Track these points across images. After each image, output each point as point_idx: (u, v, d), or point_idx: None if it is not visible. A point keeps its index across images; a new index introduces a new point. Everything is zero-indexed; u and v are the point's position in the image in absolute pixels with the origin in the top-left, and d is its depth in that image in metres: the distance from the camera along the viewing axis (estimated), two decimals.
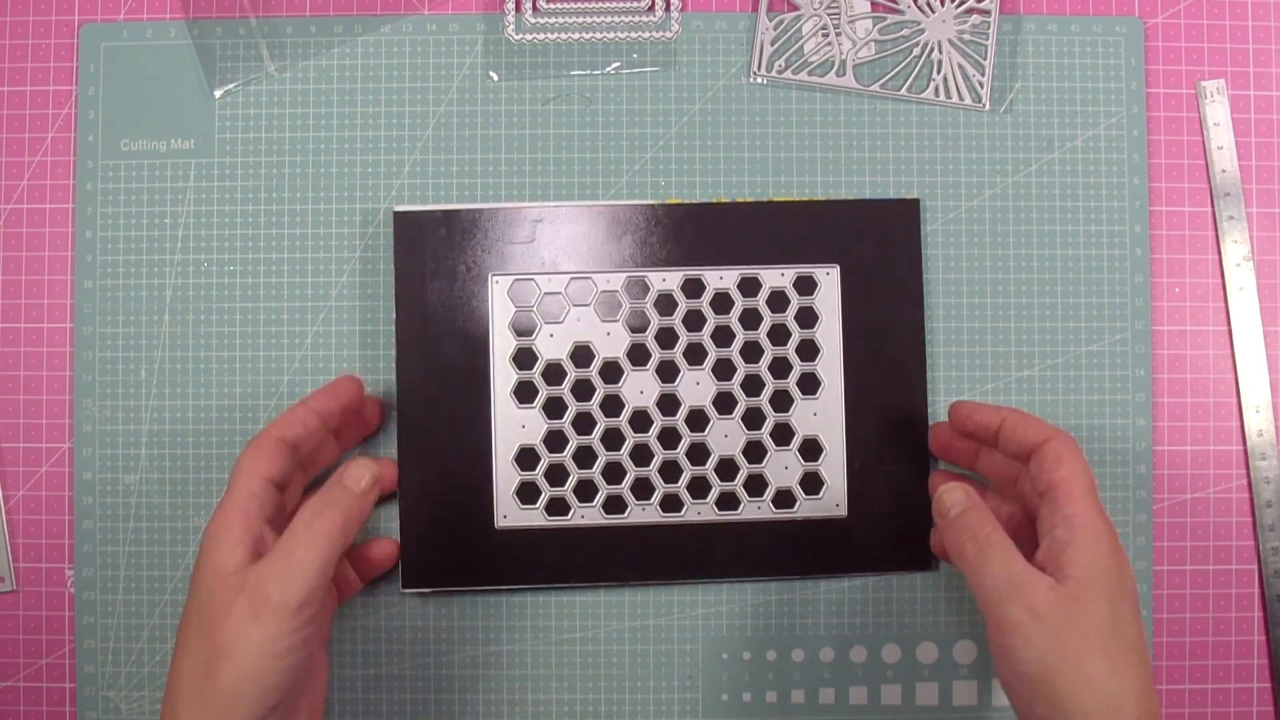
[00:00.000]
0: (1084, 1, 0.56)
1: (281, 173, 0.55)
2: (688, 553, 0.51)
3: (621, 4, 0.55)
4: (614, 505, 0.51)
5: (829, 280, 0.51)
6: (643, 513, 0.51)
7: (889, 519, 0.51)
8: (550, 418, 0.51)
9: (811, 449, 0.51)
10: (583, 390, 0.51)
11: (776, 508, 0.51)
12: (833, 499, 0.51)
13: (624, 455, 0.51)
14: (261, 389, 0.54)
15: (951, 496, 0.45)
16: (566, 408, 0.51)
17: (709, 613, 0.54)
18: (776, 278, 0.51)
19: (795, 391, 0.51)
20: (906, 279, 0.52)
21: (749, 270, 0.51)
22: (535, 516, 0.50)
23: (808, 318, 0.51)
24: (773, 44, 0.56)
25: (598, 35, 0.55)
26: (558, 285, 0.51)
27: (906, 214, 0.52)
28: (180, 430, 0.55)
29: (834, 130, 0.55)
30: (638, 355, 0.51)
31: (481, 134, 0.55)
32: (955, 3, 0.56)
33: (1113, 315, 0.55)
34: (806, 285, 0.51)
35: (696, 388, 0.51)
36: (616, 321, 0.51)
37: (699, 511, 0.51)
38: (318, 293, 0.54)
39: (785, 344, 0.51)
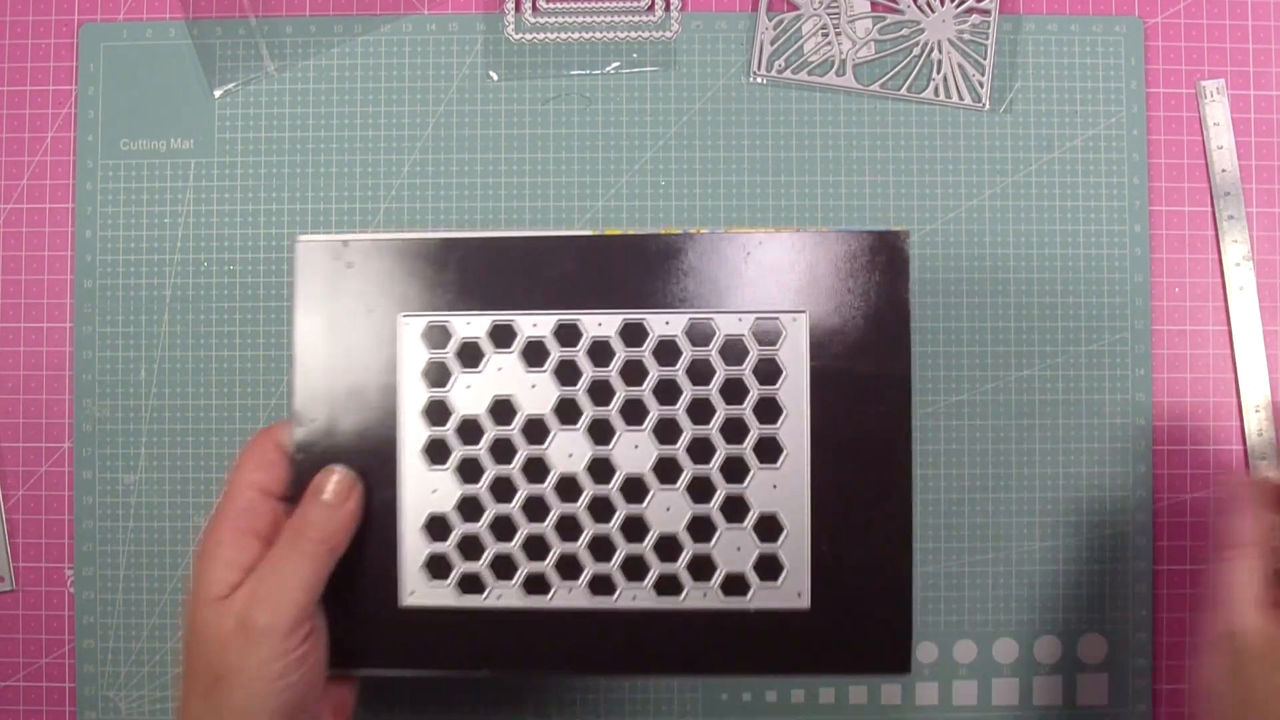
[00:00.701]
0: (1084, 1, 0.56)
1: (281, 173, 0.55)
2: (620, 643, 0.44)
3: (621, 4, 0.55)
4: (536, 585, 0.44)
5: (795, 328, 0.44)
6: (569, 595, 0.44)
7: (860, 613, 0.44)
8: (465, 481, 0.44)
9: (769, 527, 0.44)
10: (502, 451, 0.44)
11: (726, 594, 0.44)
12: (793, 587, 0.44)
13: (548, 528, 0.44)
14: (261, 389, 0.54)
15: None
16: (483, 471, 0.44)
17: None
18: (733, 324, 0.44)
19: (751, 459, 0.44)
20: (890, 329, 0.44)
21: (700, 315, 0.44)
22: (446, 594, 0.44)
23: (769, 372, 0.44)
24: (772, 44, 0.56)
25: (597, 35, 0.55)
26: (477, 329, 0.44)
27: (891, 250, 0.44)
28: (180, 430, 0.55)
29: (834, 130, 0.55)
30: (567, 412, 0.44)
31: (481, 134, 0.55)
32: (955, 2, 0.56)
33: (1113, 315, 0.55)
34: (768, 334, 0.44)
35: (635, 451, 0.44)
36: (543, 371, 0.44)
37: (634, 596, 0.44)
38: None
39: (741, 402, 0.44)
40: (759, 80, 0.56)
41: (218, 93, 0.55)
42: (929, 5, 0.56)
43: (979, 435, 0.55)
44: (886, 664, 0.44)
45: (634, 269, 0.44)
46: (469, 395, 0.44)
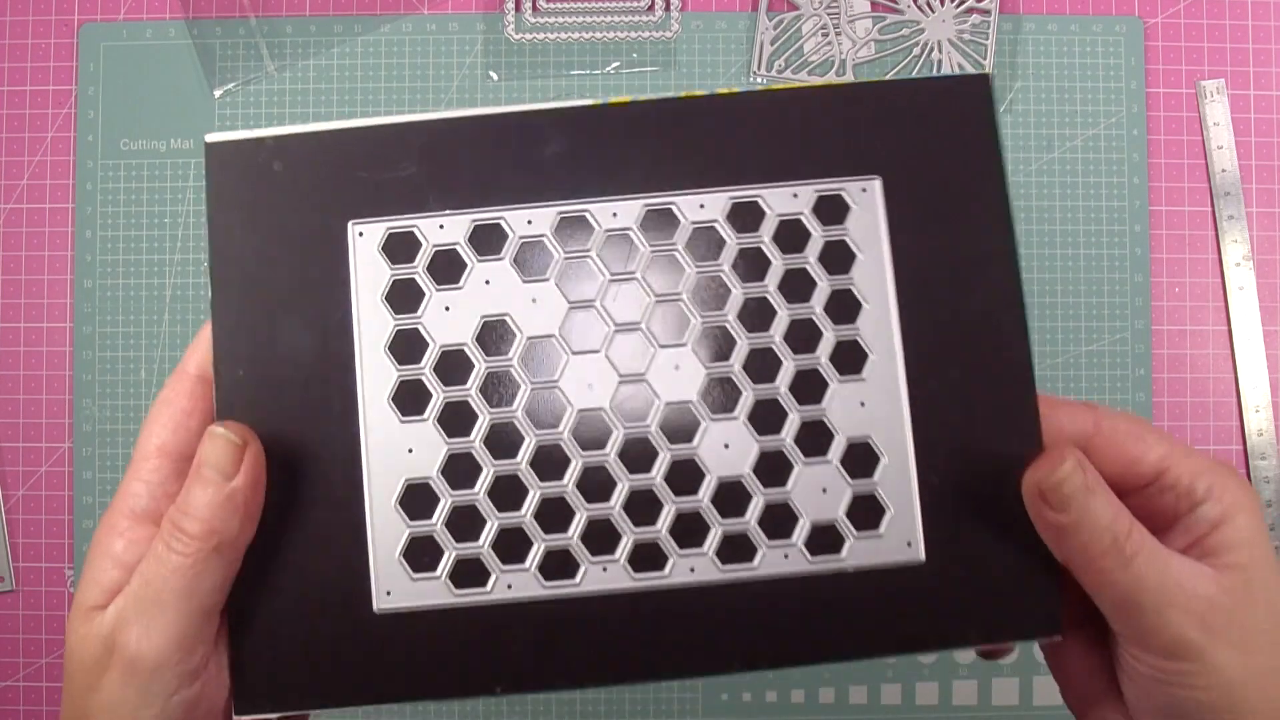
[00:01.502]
0: (1084, 1, 0.56)
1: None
2: (679, 635, 0.33)
3: (621, 4, 0.55)
4: (558, 565, 0.33)
5: (866, 200, 0.34)
6: (604, 575, 0.33)
7: (990, 561, 0.33)
8: (452, 435, 0.33)
9: (861, 458, 0.34)
10: (500, 388, 0.34)
11: (813, 554, 0.33)
12: (901, 534, 0.33)
13: (569, 487, 0.33)
14: None
15: (1072, 483, 0.30)
16: (476, 417, 0.34)
17: None
18: (786, 200, 0.34)
19: (829, 371, 0.34)
20: (983, 190, 0.34)
21: (743, 192, 0.34)
22: (436, 590, 0.33)
23: (839, 257, 0.34)
24: (772, 44, 0.56)
25: (598, 35, 0.55)
26: (454, 233, 0.34)
27: (974, 97, 0.34)
28: None
29: None
30: (581, 329, 0.34)
31: None
32: (955, 2, 0.56)
33: (1113, 315, 0.55)
34: (833, 210, 0.34)
35: (675, 374, 0.34)
36: (546, 280, 0.34)
37: (691, 567, 0.33)
38: None
39: (808, 299, 0.34)
40: (759, 80, 0.56)
41: (218, 93, 0.55)
42: (929, 5, 0.56)
43: None
44: (1031, 624, 0.34)
45: (651, 144, 0.35)
46: (449, 319, 0.34)
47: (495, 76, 0.55)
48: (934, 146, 0.34)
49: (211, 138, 0.34)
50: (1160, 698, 0.31)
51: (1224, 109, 0.56)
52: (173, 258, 0.55)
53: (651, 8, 0.55)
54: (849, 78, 0.55)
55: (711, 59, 0.56)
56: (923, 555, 0.33)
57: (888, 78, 0.35)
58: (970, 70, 0.55)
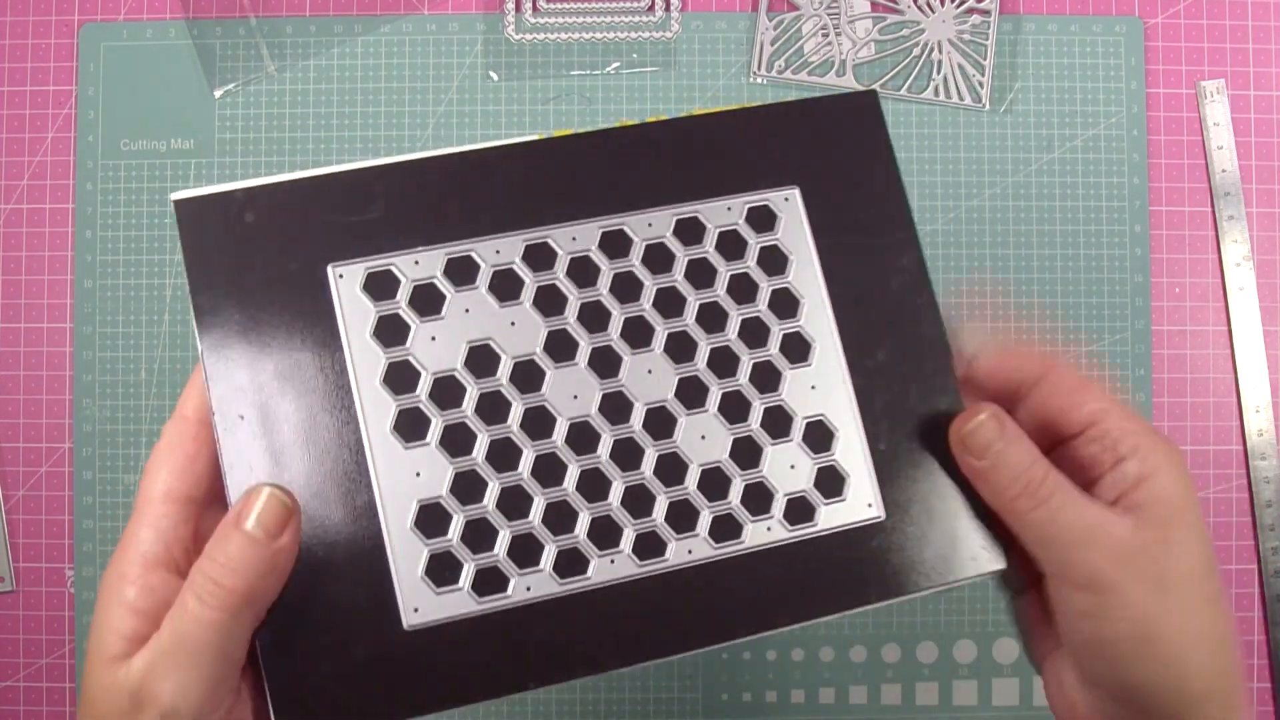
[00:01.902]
0: (1084, 1, 0.56)
1: (282, 173, 0.55)
2: (687, 610, 0.37)
3: (621, 4, 0.55)
4: (570, 563, 0.36)
5: (790, 207, 0.39)
6: (613, 566, 0.36)
7: (936, 511, 0.38)
8: (454, 455, 0.36)
9: (819, 435, 0.38)
10: (493, 407, 0.36)
11: (792, 524, 0.37)
12: (861, 497, 0.38)
13: (569, 489, 0.36)
14: None
15: (985, 432, 0.34)
16: (475, 436, 0.36)
17: None
18: (722, 213, 0.38)
19: (781, 361, 0.38)
20: (883, 190, 0.39)
21: (684, 209, 0.38)
22: (461, 601, 0.35)
23: (775, 260, 0.38)
24: (773, 44, 0.56)
25: (598, 35, 0.55)
26: (429, 267, 0.36)
27: (865, 110, 0.40)
28: None
29: None
30: (559, 346, 0.37)
31: (481, 134, 0.55)
32: (955, 3, 0.56)
33: (1113, 315, 0.55)
34: (763, 218, 0.39)
35: (649, 377, 0.37)
36: (520, 303, 0.37)
37: (690, 549, 0.37)
38: None
39: (754, 300, 0.38)
40: (759, 80, 0.56)
41: (218, 93, 0.55)
42: (929, 5, 0.56)
43: None
44: (976, 563, 0.37)
45: (596, 171, 0.38)
46: (437, 348, 0.36)
47: (495, 76, 0.55)
48: (837, 155, 0.39)
49: (178, 195, 0.35)
50: (1085, 630, 0.34)
51: (1224, 109, 0.56)
52: (173, 258, 0.55)
53: (651, 8, 0.55)
54: (849, 78, 0.55)
55: (711, 59, 0.56)
56: (883, 513, 0.37)
57: (791, 99, 0.41)
58: (969, 68, 0.55)
